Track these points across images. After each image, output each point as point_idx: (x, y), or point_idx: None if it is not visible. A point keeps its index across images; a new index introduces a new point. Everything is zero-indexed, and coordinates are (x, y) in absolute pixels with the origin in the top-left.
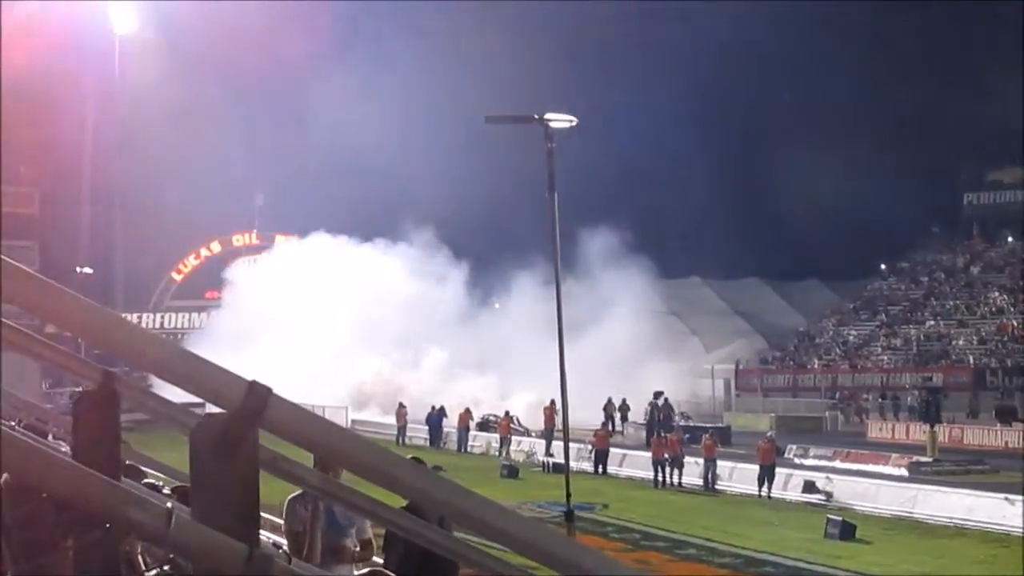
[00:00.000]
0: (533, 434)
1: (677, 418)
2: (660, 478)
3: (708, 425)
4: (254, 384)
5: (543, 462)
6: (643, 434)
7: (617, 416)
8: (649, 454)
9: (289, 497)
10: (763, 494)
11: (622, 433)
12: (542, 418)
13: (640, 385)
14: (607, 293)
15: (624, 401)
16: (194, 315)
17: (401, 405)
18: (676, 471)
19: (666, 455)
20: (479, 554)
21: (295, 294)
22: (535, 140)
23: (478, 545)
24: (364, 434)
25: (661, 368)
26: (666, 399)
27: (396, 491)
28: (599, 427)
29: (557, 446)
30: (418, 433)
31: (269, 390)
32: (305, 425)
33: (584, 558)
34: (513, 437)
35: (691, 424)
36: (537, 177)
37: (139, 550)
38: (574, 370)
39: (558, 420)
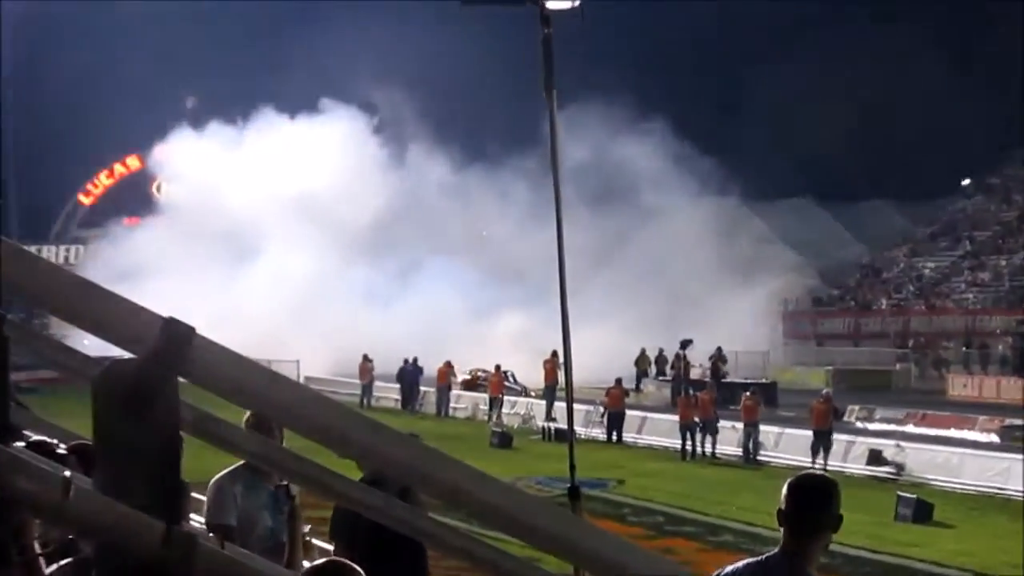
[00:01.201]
0: (533, 393)
1: (725, 370)
2: (689, 447)
3: (748, 381)
4: (172, 322)
5: (543, 428)
6: (667, 392)
7: (651, 372)
8: (675, 417)
9: (216, 476)
10: (817, 466)
11: (638, 390)
12: (542, 374)
13: (682, 331)
14: (626, 217)
15: (661, 353)
16: (105, 244)
17: (366, 359)
18: (709, 438)
19: (696, 418)
20: (454, 535)
21: (235, 201)
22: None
23: (453, 524)
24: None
25: (714, 306)
26: (719, 350)
27: (351, 455)
28: (612, 384)
29: (560, 408)
30: (388, 393)
31: (191, 330)
32: (237, 373)
33: (585, 538)
34: (506, 398)
35: (727, 380)
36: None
37: (33, 529)
38: (599, 315)
39: (561, 376)
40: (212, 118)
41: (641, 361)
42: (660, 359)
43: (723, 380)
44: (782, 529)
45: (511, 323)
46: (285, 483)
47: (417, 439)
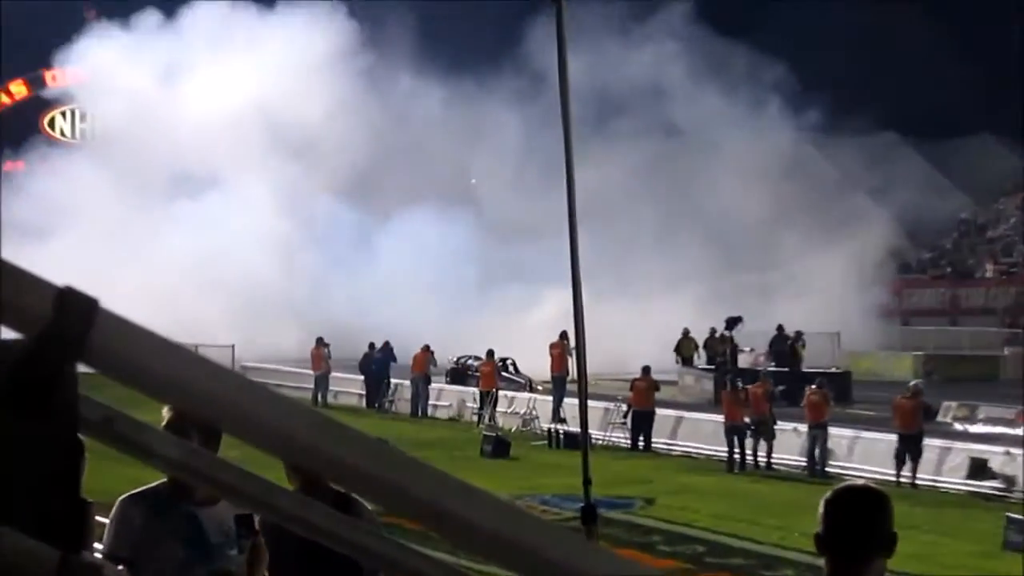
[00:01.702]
0: (537, 387)
1: (801, 355)
2: (737, 455)
3: (815, 370)
4: (68, 293)
5: (550, 431)
6: (709, 386)
7: (698, 359)
8: (719, 417)
9: (122, 497)
10: (903, 479)
11: (674, 383)
12: (547, 362)
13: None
14: (656, 155)
15: (713, 334)
16: None
17: (320, 343)
18: (763, 444)
19: (746, 419)
20: (417, 558)
21: (158, 137)
22: None
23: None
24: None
25: (770, 274)
26: (799, 337)
27: (300, 461)
28: (639, 375)
29: (572, 405)
30: (349, 387)
31: (94, 303)
32: (154, 360)
33: (591, 561)
34: (503, 392)
35: (783, 369)
36: None
37: None
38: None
39: (573, 364)
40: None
41: (684, 346)
42: (712, 342)
43: (790, 371)
44: (823, 558)
45: (510, 297)
46: (246, 513)
47: (386, 445)
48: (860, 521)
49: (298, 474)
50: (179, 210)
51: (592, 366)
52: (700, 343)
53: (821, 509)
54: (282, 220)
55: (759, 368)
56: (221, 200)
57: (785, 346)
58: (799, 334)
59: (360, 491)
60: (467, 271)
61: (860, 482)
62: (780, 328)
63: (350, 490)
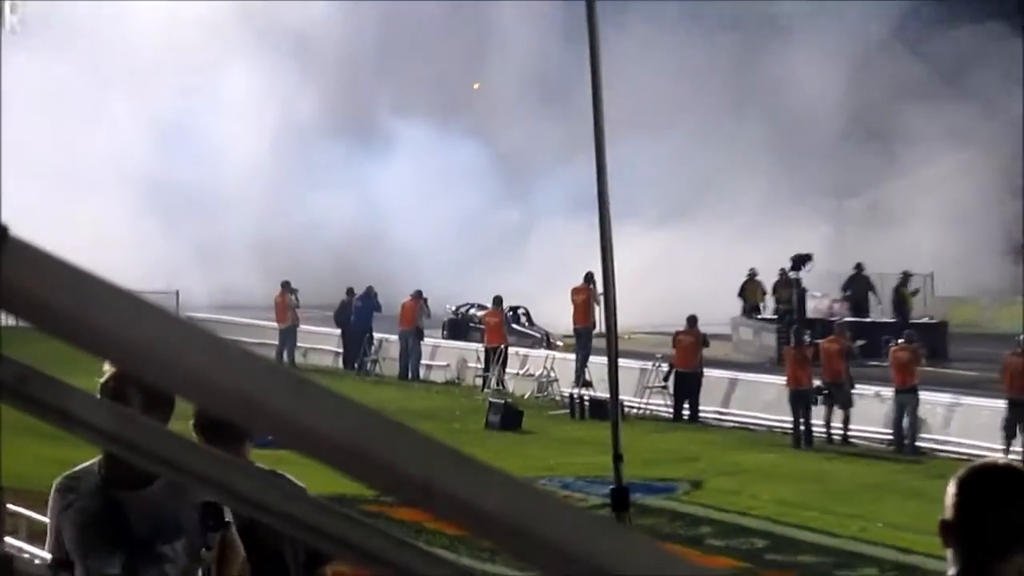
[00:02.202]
0: (557, 343)
1: (873, 302)
2: (804, 427)
3: (900, 321)
4: None
5: (572, 397)
6: (771, 340)
7: (765, 303)
8: (783, 380)
9: (56, 481)
10: (1014, 456)
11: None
12: (569, 311)
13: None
14: (710, 49)
15: (784, 276)
16: None
17: (286, 288)
18: (837, 412)
19: (816, 381)
20: (380, 537)
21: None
22: None
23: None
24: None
25: (849, 200)
26: (906, 280)
27: (261, 427)
28: (684, 327)
29: (599, 366)
30: (323, 343)
31: (2, 231)
32: (78, 301)
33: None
34: (513, 350)
35: (863, 320)
36: None
37: None
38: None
39: (600, 315)
40: None
41: (750, 290)
42: (778, 287)
43: (854, 320)
44: (949, 550)
45: (522, 232)
46: (213, 501)
47: (370, 411)
48: (1000, 507)
49: (202, 433)
50: (128, 113)
51: (625, 316)
52: (770, 288)
53: (952, 490)
54: (257, 132)
55: (833, 318)
56: (181, 106)
57: (864, 290)
58: (906, 276)
59: (338, 466)
60: (470, 199)
61: (1001, 459)
62: (859, 267)
63: (328, 465)
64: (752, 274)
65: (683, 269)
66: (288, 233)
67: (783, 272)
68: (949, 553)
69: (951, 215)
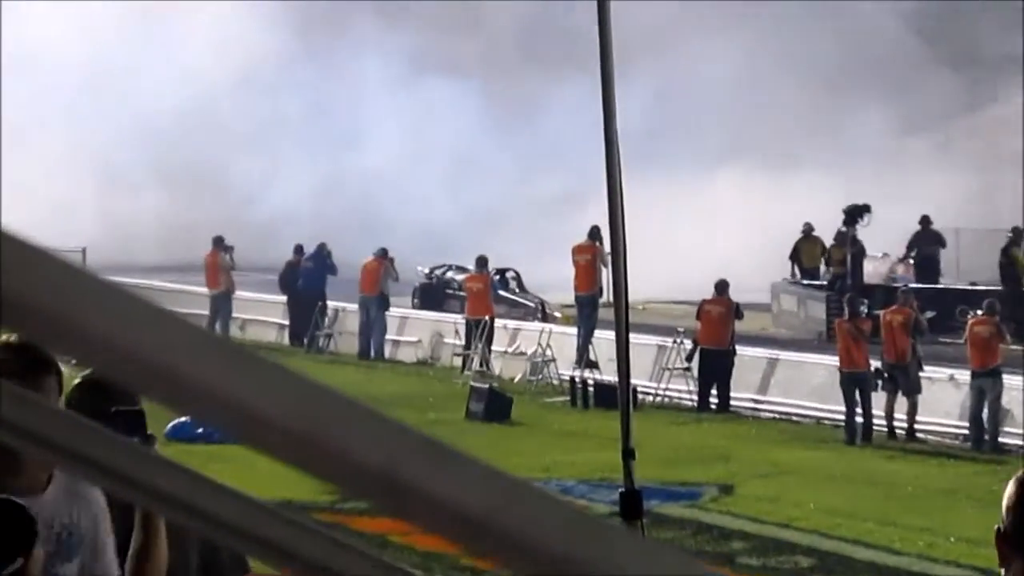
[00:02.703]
0: (555, 314)
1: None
2: (861, 418)
3: (979, 287)
4: None
5: (573, 381)
6: (819, 311)
7: (824, 272)
8: (834, 360)
9: None
10: None
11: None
12: (570, 275)
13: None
14: None
15: (844, 235)
16: None
17: (218, 245)
18: (901, 400)
19: (875, 362)
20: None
21: None
22: None
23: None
24: None
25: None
26: (1019, 237)
27: (180, 406)
28: (712, 296)
29: (605, 342)
30: (265, 313)
31: None
32: None
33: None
34: (501, 323)
35: (933, 286)
36: None
37: None
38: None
39: (607, 279)
40: None
41: (806, 250)
42: (842, 241)
43: (920, 286)
44: (1006, 565)
45: (514, 174)
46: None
47: (312, 385)
48: None
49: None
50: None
51: (640, 282)
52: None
53: (1010, 490)
54: (208, 63)
55: (896, 284)
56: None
57: (933, 248)
58: (1018, 232)
59: (279, 452)
60: (447, 138)
61: None
62: (925, 221)
63: (265, 451)
64: (807, 230)
65: (713, 222)
66: (244, 180)
67: (840, 233)
68: (1003, 571)
69: None
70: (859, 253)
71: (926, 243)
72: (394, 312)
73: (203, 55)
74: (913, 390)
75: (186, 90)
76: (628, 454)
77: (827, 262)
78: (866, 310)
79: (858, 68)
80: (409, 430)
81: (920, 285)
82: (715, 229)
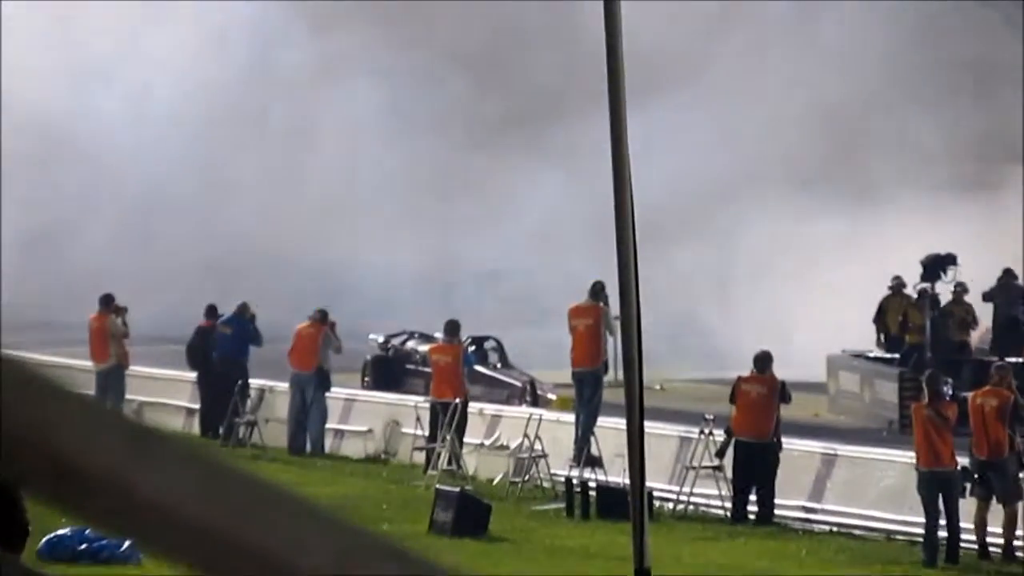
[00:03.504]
0: (548, 395)
1: None
2: (944, 532)
3: None
4: None
5: (570, 483)
6: (888, 392)
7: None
8: (910, 456)
9: None
10: None
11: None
12: (566, 349)
13: None
14: None
15: (928, 294)
16: None
17: (107, 305)
18: (997, 509)
19: (962, 460)
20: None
21: None
22: None
23: None
24: None
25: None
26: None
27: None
28: (751, 373)
29: (611, 433)
30: (171, 394)
31: None
32: None
33: None
34: (477, 407)
35: None
36: None
37: None
38: None
39: (611, 354)
40: None
41: (891, 311)
42: (913, 304)
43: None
44: None
45: (490, 218)
46: None
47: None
48: None
49: None
50: None
51: (657, 354)
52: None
53: None
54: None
55: (991, 358)
56: None
57: (1018, 307)
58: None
59: (188, 556)
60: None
61: None
62: (1008, 273)
63: (171, 555)
64: (897, 286)
65: (757, 282)
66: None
67: (926, 292)
68: None
69: None
70: (943, 316)
71: (1007, 300)
72: (337, 393)
73: None
74: (1012, 495)
75: None
76: (643, 575)
77: (903, 327)
78: (951, 390)
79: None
80: (361, 530)
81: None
82: (766, 285)
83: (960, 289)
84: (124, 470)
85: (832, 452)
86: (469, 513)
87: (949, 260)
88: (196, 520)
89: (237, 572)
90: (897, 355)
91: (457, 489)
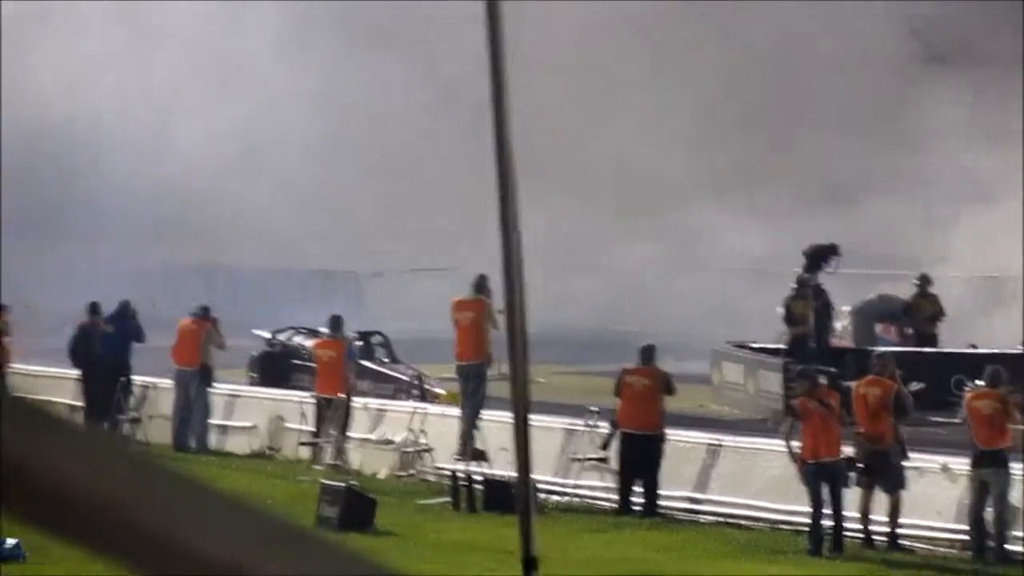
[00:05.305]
0: (436, 389)
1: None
2: (830, 523)
3: (983, 351)
4: None
5: (456, 477)
6: (771, 383)
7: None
8: (792, 446)
9: None
10: None
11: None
12: (452, 340)
13: None
14: None
15: (800, 280)
16: None
17: None
18: (879, 497)
19: (847, 449)
20: None
21: None
22: None
23: None
24: None
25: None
26: (925, 284)
27: None
28: (636, 365)
29: (496, 425)
30: (52, 391)
31: None
32: None
33: None
34: (362, 402)
35: (921, 349)
36: None
37: None
38: None
39: (495, 339)
40: None
41: (798, 301)
42: (796, 295)
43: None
44: None
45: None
46: None
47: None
48: None
49: None
50: None
51: (543, 345)
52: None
53: None
54: None
55: (880, 349)
56: None
57: (933, 306)
58: (925, 280)
59: (79, 533)
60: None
61: None
62: (923, 280)
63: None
64: (804, 282)
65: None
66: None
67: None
68: None
69: None
70: (825, 307)
71: (923, 301)
72: (220, 389)
73: None
74: (896, 484)
75: None
76: (530, 564)
77: (786, 319)
78: (834, 381)
79: None
80: (261, 513)
81: (902, 348)
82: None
83: (924, 282)
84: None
85: (717, 443)
86: (355, 508)
87: (831, 250)
88: (87, 498)
89: (130, 552)
90: (782, 346)
91: (343, 484)
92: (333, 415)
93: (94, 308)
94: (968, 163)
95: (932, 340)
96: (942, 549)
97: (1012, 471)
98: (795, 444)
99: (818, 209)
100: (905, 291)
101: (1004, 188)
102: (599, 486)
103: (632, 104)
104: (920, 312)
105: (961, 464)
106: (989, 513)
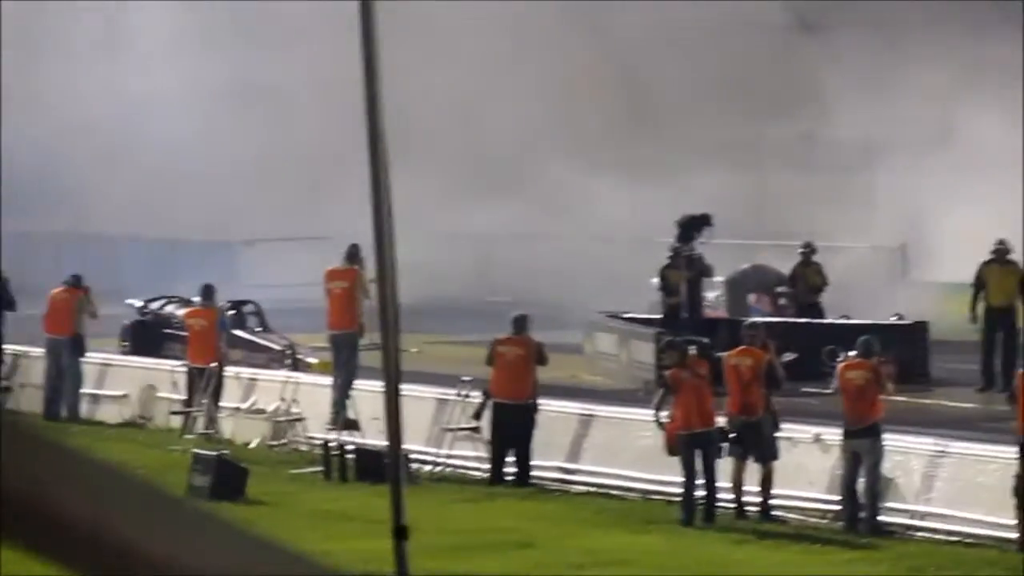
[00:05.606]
0: (308, 359)
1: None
2: (702, 492)
3: (853, 322)
4: None
5: (327, 447)
6: (644, 353)
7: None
8: (663, 416)
9: None
10: None
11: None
12: (323, 309)
13: None
14: None
15: (675, 251)
16: None
17: None
18: (752, 467)
19: (719, 419)
20: None
21: None
22: None
23: None
24: None
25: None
26: (809, 252)
27: None
28: (508, 335)
29: (368, 395)
30: None
31: None
32: None
33: None
34: (234, 371)
35: (794, 320)
36: None
37: None
38: None
39: (367, 309)
40: None
41: (672, 271)
42: (671, 265)
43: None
44: None
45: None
46: None
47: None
48: None
49: None
50: None
51: (415, 314)
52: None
53: None
54: None
55: (753, 318)
56: None
57: (816, 276)
58: (809, 248)
59: None
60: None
61: None
62: (808, 248)
63: None
64: (678, 251)
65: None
66: None
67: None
68: None
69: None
70: (698, 276)
71: (807, 265)
72: (92, 358)
73: None
74: (768, 454)
75: None
76: (400, 533)
77: (662, 288)
78: (707, 351)
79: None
80: (128, 477)
81: (774, 319)
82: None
83: (808, 250)
84: None
85: (589, 413)
86: (227, 477)
87: (704, 220)
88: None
89: (49, 540)
90: (655, 316)
91: (215, 453)
92: (205, 384)
93: None
94: (857, 132)
95: (815, 310)
96: (814, 519)
97: (883, 442)
98: (663, 414)
99: (700, 177)
100: (792, 262)
101: (889, 157)
102: (471, 456)
103: (507, 76)
104: (804, 282)
105: (833, 435)
106: (861, 484)
